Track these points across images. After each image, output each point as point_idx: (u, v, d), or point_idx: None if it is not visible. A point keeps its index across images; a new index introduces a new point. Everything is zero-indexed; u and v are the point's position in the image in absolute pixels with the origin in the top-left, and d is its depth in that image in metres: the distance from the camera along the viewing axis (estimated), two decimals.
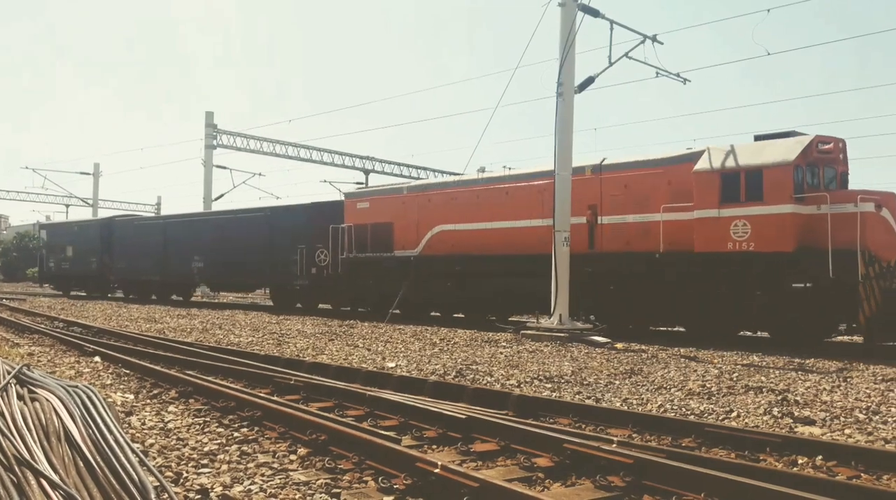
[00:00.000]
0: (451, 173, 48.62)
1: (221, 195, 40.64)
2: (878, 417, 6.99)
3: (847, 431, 6.47)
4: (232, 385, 8.28)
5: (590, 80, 17.65)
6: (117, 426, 4.33)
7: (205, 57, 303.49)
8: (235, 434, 6.14)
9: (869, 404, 7.56)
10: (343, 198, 23.71)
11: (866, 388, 8.60)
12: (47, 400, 4.50)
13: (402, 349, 12.54)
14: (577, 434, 5.82)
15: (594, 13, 16.99)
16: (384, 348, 12.81)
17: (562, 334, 14.31)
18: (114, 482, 3.70)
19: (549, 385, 8.77)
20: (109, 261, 32.83)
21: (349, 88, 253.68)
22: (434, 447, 5.91)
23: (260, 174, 43.67)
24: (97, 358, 11.05)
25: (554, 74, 16.76)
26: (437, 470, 4.61)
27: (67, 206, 60.44)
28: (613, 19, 17.40)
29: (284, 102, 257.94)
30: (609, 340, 13.76)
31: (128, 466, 3.78)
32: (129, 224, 33.84)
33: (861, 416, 7.04)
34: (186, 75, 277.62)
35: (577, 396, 8.10)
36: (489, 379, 9.15)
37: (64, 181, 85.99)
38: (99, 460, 3.87)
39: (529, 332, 14.99)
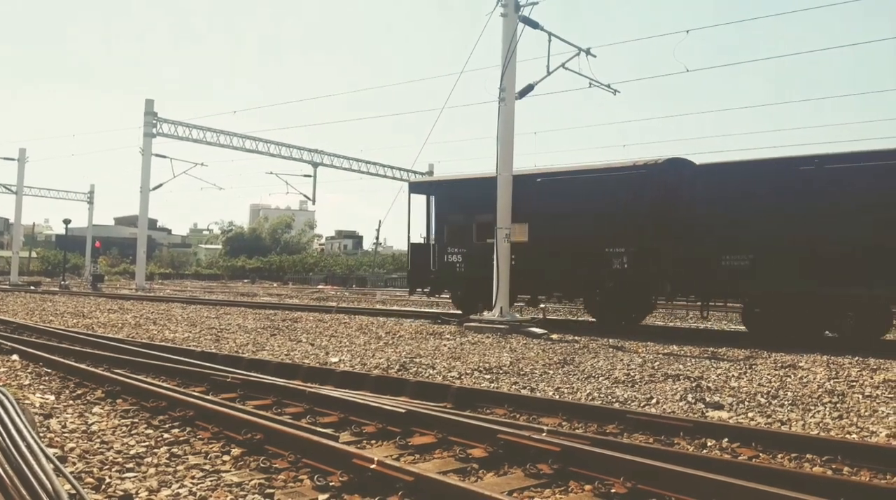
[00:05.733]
0: (399, 169, 48.63)
1: (160, 185, 39.44)
2: (776, 401, 7.45)
3: (750, 414, 6.89)
4: (164, 384, 7.77)
5: (529, 88, 18.06)
6: (31, 430, 3.97)
7: (151, 42, 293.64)
8: (165, 436, 5.76)
9: (769, 389, 8.04)
10: None
11: (768, 374, 9.13)
12: None
13: (347, 343, 12.49)
14: (511, 424, 6.01)
15: (534, 25, 17.34)
16: (328, 342, 12.68)
17: (502, 326, 14.64)
18: (24, 492, 3.33)
19: (488, 376, 9.02)
20: None
21: (299, 82, 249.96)
22: (373, 442, 5.85)
23: (202, 164, 42.27)
24: (15, 357, 10.03)
25: (497, 80, 17.10)
26: (373, 466, 4.55)
27: None
28: (552, 31, 17.82)
29: (230, 93, 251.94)
30: (545, 331, 14.14)
31: (41, 474, 3.44)
32: None
33: (762, 400, 7.50)
34: (130, 61, 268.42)
35: (513, 386, 8.36)
36: (431, 372, 9.33)
37: None
38: (7, 468, 3.53)
39: (472, 324, 15.27)
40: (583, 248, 15.97)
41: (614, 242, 15.43)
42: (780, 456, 5.42)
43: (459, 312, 18.63)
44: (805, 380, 8.68)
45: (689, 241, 14.82)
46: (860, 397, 7.66)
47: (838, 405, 7.22)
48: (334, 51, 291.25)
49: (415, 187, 20.32)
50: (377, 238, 78.89)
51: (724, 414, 6.95)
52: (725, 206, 14.25)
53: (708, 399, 7.51)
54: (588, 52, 18.19)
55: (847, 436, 6.00)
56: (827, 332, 13.65)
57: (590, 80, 18.47)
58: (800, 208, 13.19)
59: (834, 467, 5.10)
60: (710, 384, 8.36)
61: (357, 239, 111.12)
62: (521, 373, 9.27)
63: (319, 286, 54.07)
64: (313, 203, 44.77)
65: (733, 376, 8.99)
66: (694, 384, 8.34)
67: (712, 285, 14.56)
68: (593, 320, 17.48)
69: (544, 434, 5.62)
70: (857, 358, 10.57)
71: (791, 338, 12.99)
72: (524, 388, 8.25)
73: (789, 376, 8.96)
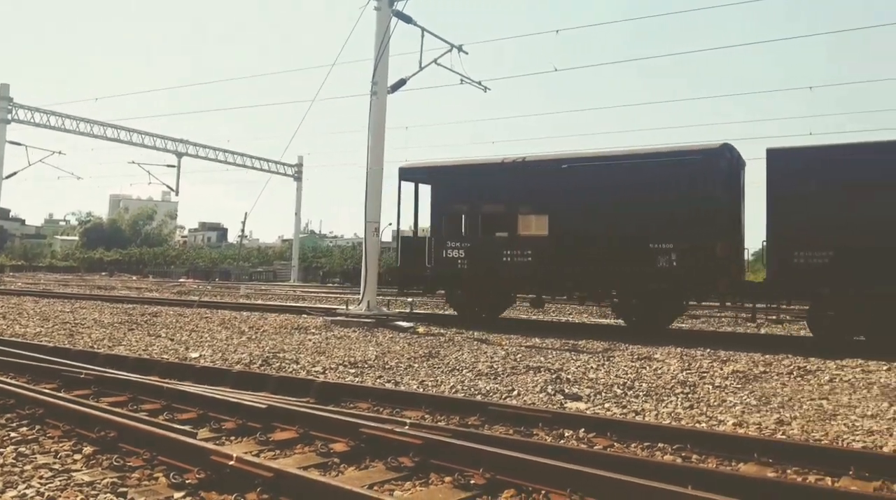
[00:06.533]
0: (267, 160, 47.09)
1: (14, 173, 36.44)
2: (631, 392, 7.74)
3: (607, 405, 7.10)
4: (12, 381, 7.29)
5: (402, 82, 17.96)
6: None
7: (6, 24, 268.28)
8: (13, 435, 5.44)
9: (626, 381, 8.35)
10: None
11: (625, 366, 9.51)
12: None
13: (209, 339, 11.93)
14: (374, 418, 5.86)
15: (407, 19, 17.24)
16: (189, 337, 12.10)
17: (369, 320, 14.42)
18: None
19: (353, 371, 8.78)
20: None
21: (164, 70, 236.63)
22: (233, 438, 5.67)
23: (60, 153, 39.40)
24: None
25: (370, 74, 16.83)
26: (231, 462, 4.42)
27: None
28: (425, 27, 17.79)
29: (92, 80, 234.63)
30: (412, 324, 14.06)
31: None
32: None
33: (619, 391, 7.76)
34: None
35: (378, 380, 8.18)
36: (295, 367, 8.98)
37: None
38: None
39: (339, 318, 14.93)
40: (620, 244, 13.69)
41: (660, 237, 13.28)
42: (633, 445, 5.58)
43: (455, 313, 16.64)
44: (659, 371, 9.10)
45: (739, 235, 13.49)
46: (710, 387, 8.10)
47: (690, 396, 7.59)
48: (207, 38, 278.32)
49: (407, 173, 16.96)
50: (243, 231, 76.17)
51: (581, 405, 7.11)
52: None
53: (567, 391, 7.67)
54: (461, 48, 18.33)
55: (697, 425, 6.28)
56: None
57: (461, 76, 18.64)
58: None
59: (684, 454, 5.30)
60: (569, 376, 8.56)
61: (222, 231, 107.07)
62: (387, 367, 9.10)
63: (181, 280, 51.47)
64: (177, 194, 42.55)
65: (592, 368, 9.28)
66: (554, 376, 8.52)
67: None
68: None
69: (406, 428, 5.49)
70: (708, 350, 11.24)
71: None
72: (389, 382, 8.09)
73: (645, 368, 9.36)
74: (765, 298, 13.31)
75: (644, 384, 8.15)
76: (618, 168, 14.12)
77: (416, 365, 9.27)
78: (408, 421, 5.84)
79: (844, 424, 6.33)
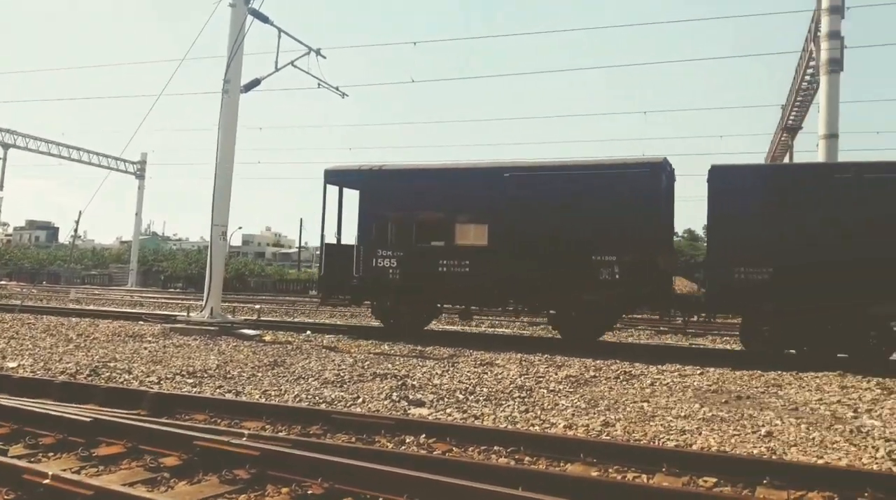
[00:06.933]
0: (106, 156, 43.86)
1: None
2: (472, 397, 7.98)
3: (449, 410, 7.27)
4: None
5: (256, 82, 17.46)
6: None
7: None
8: None
9: (468, 386, 8.59)
10: None
11: (468, 371, 9.78)
12: None
13: (30, 347, 10.92)
14: (210, 430, 5.64)
15: (263, 19, 16.79)
16: (7, 345, 11.03)
17: (212, 328, 13.81)
18: None
19: (191, 381, 8.37)
20: None
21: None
22: (51, 455, 5.24)
23: None
24: None
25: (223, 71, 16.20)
26: (46, 481, 4.11)
27: None
28: (282, 28, 17.41)
29: None
30: (259, 332, 13.64)
31: None
32: None
33: (461, 396, 7.97)
34: None
35: (217, 390, 7.86)
36: (127, 377, 8.42)
37: None
38: None
39: (179, 326, 14.17)
40: (563, 255, 13.44)
41: (604, 249, 13.10)
42: (471, 449, 5.75)
43: (381, 325, 15.83)
44: (500, 377, 9.44)
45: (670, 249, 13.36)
46: (545, 391, 8.52)
47: (526, 400, 7.94)
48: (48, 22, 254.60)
49: (335, 176, 15.80)
50: (76, 230, 70.46)
51: (424, 411, 7.23)
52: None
53: (411, 397, 7.77)
54: (318, 52, 18.12)
55: (531, 428, 6.59)
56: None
57: (319, 80, 18.40)
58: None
59: (517, 457, 5.54)
60: (415, 382, 8.68)
61: (52, 230, 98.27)
62: (228, 376, 8.76)
63: (2, 282, 46.53)
64: (1, 189, 38.39)
65: (437, 374, 9.46)
66: (400, 383, 8.60)
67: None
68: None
69: (244, 439, 5.32)
70: (546, 356, 11.80)
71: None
72: (229, 392, 7.79)
73: (487, 374, 9.68)
74: (703, 311, 13.73)
75: (485, 389, 8.42)
76: (562, 179, 13.89)
77: (260, 374, 9.00)
78: (246, 432, 5.66)
79: (661, 424, 6.90)
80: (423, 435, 5.97)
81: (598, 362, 11.13)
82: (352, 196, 16.07)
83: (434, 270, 14.26)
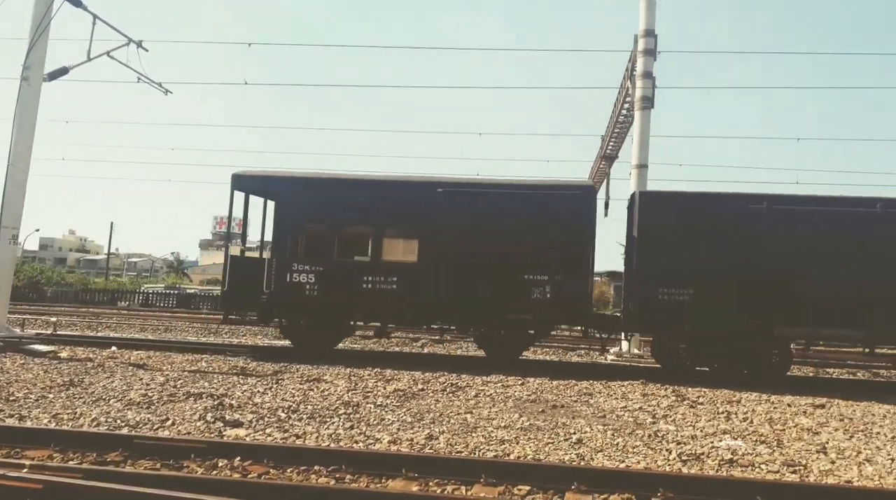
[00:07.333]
0: None
1: None
2: (296, 415, 7.67)
3: (269, 430, 6.92)
4: None
5: (63, 71, 16.00)
6: None
7: None
8: None
9: (291, 404, 8.26)
10: None
11: (293, 388, 9.42)
12: None
13: None
14: None
15: (76, 3, 15.35)
16: None
17: None
18: None
19: None
20: None
21: None
22: None
23: None
24: None
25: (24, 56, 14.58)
26: None
27: None
28: (97, 14, 16.01)
29: None
30: (53, 348, 12.27)
31: None
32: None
33: (283, 415, 7.64)
34: None
35: None
36: None
37: None
38: None
39: None
40: (496, 273, 13.28)
41: (536, 269, 13.17)
42: (290, 470, 5.49)
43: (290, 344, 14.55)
44: (326, 393, 9.18)
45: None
46: (372, 406, 8.39)
47: (352, 416, 7.77)
48: None
49: (243, 182, 14.29)
50: None
51: (242, 432, 6.83)
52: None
53: (228, 417, 7.32)
54: (140, 44, 16.82)
55: (354, 445, 6.43)
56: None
57: (139, 74, 17.11)
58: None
59: (338, 476, 5.37)
60: (233, 402, 8.20)
61: None
62: (11, 399, 7.74)
63: None
64: None
65: (258, 391, 9.01)
66: (216, 402, 8.08)
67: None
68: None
69: (25, 471, 4.70)
70: (376, 370, 11.67)
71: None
72: (12, 416, 6.87)
73: (312, 390, 9.38)
74: (623, 330, 14.31)
75: (310, 406, 8.15)
76: (497, 197, 13.72)
77: (52, 395, 8.05)
78: (27, 463, 4.99)
79: (483, 435, 7.04)
80: (238, 458, 5.62)
81: (426, 374, 11.22)
82: (259, 203, 14.84)
83: (357, 286, 13.55)
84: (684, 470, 6.08)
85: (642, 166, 19.08)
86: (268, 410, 7.85)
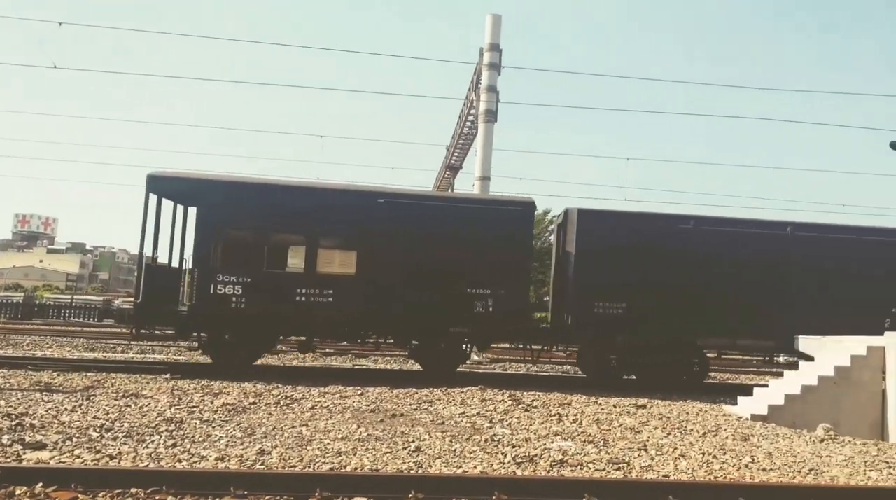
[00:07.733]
0: None
1: None
2: (109, 434, 7.00)
3: (77, 451, 6.26)
4: None
5: None
6: None
7: None
8: None
9: (105, 422, 7.53)
10: None
11: (107, 405, 8.60)
12: None
13: None
14: None
15: None
16: None
17: None
18: None
19: None
20: None
21: None
22: None
23: None
24: None
25: None
26: None
27: None
28: None
29: None
30: None
31: None
32: None
33: (94, 434, 6.94)
34: None
35: None
36: None
37: None
38: None
39: None
40: (438, 287, 13.13)
41: (479, 282, 13.18)
42: (102, 494, 5.00)
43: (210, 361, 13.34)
44: (146, 409, 8.47)
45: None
46: (198, 422, 7.85)
47: (175, 433, 7.22)
48: None
49: (159, 184, 12.95)
50: None
51: (45, 454, 6.11)
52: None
53: (28, 439, 6.53)
54: None
55: (177, 464, 5.96)
56: None
57: None
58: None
59: (158, 497, 4.97)
60: (35, 421, 7.33)
61: None
62: None
63: None
64: None
65: (66, 409, 8.14)
66: (15, 423, 7.18)
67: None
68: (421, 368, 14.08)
69: None
70: (202, 382, 10.96)
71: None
72: None
73: (130, 406, 8.61)
74: (557, 342, 14.69)
75: (126, 424, 7.48)
76: (439, 210, 13.58)
77: None
78: None
79: (319, 448, 6.82)
80: (41, 484, 5.02)
81: (258, 387, 10.74)
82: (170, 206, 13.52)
83: (290, 299, 12.83)
84: (518, 472, 6.25)
85: (484, 179, 19.69)
86: (76, 429, 7.10)
